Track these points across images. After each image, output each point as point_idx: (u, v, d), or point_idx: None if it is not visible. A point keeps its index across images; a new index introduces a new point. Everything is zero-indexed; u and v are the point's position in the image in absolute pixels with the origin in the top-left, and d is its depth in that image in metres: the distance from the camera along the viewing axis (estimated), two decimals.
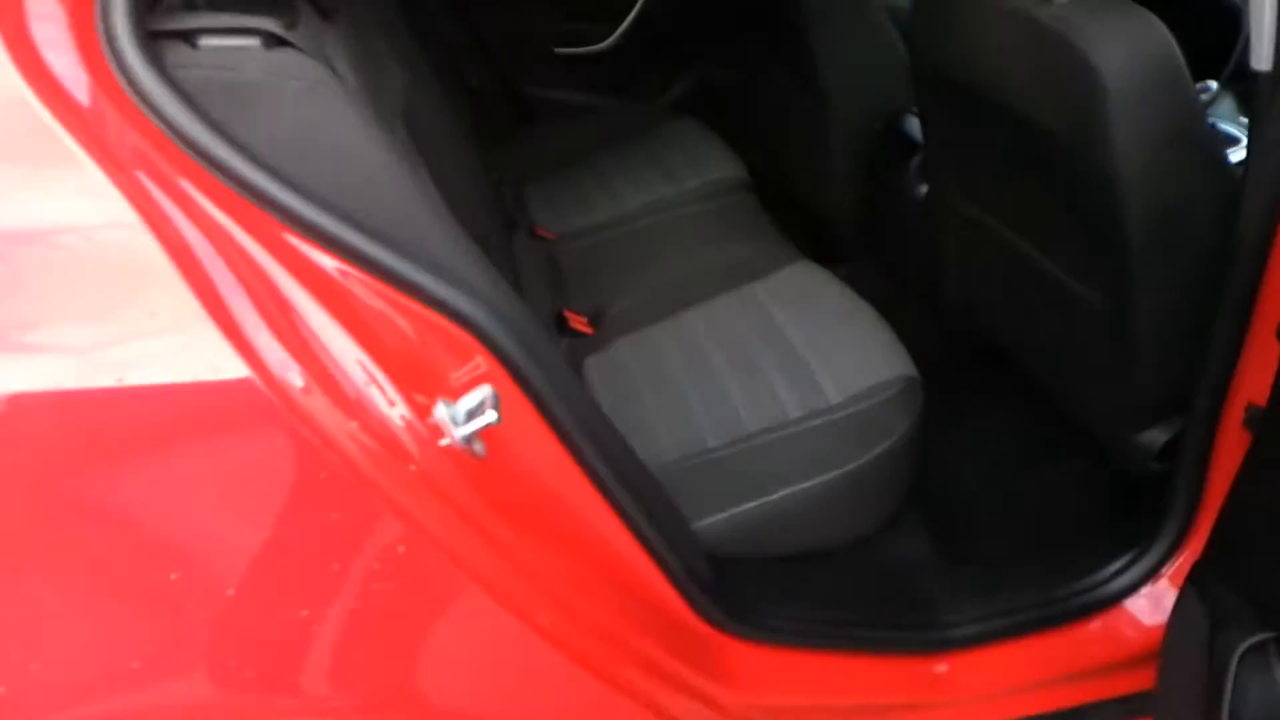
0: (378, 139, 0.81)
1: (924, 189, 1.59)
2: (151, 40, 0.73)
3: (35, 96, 0.66)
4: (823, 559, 1.26)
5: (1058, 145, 1.09)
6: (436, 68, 1.66)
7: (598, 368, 1.45)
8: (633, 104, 2.27)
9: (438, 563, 0.75)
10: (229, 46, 0.77)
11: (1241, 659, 0.79)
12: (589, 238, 1.80)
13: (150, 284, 0.66)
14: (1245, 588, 0.84)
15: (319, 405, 0.69)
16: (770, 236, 1.73)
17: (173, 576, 0.68)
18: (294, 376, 0.68)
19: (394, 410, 0.73)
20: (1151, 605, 1.13)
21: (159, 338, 0.66)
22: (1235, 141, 1.38)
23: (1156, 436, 1.18)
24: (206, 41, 0.77)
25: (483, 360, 0.83)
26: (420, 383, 0.77)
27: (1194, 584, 0.93)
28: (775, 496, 1.22)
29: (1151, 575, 1.13)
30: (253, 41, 0.78)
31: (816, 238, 1.84)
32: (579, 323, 1.57)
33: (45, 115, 0.65)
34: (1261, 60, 0.90)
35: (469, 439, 0.78)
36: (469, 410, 0.78)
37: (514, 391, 0.84)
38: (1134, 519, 1.18)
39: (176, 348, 0.66)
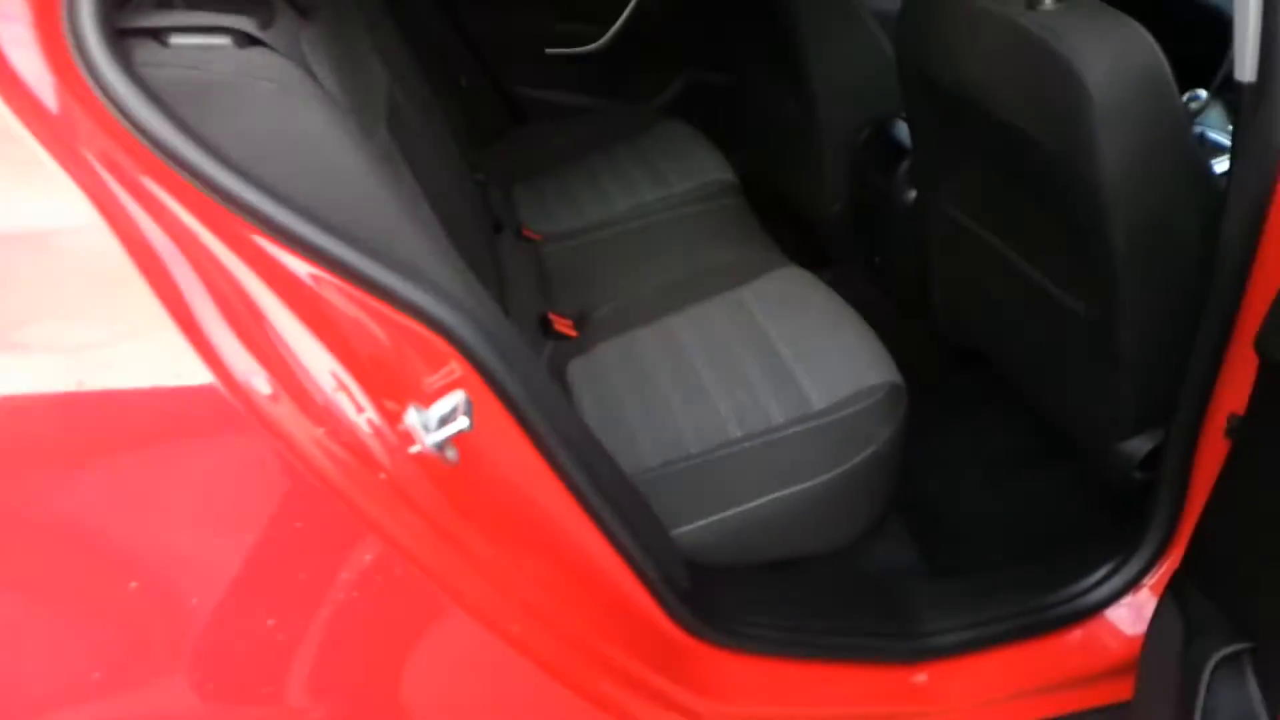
0: (351, 141, 0.80)
1: (912, 194, 1.58)
2: (120, 38, 0.72)
3: None
4: (804, 566, 1.25)
5: (1042, 153, 1.09)
6: (424, 67, 1.65)
7: (582, 371, 1.44)
8: (624, 106, 2.26)
9: (405, 571, 0.74)
10: (200, 45, 0.76)
11: (1215, 669, 0.78)
12: (576, 240, 1.79)
13: (112, 286, 0.65)
14: (1220, 598, 0.83)
15: (284, 411, 0.68)
16: (758, 241, 1.73)
17: (132, 585, 0.67)
18: (259, 382, 0.67)
19: (362, 416, 0.72)
20: (1133, 615, 1.12)
21: (119, 341, 0.65)
22: (1224, 150, 1.37)
23: (1139, 446, 1.17)
24: (177, 40, 0.76)
25: (457, 365, 0.82)
26: (391, 388, 0.76)
27: (1172, 594, 0.92)
28: (757, 503, 1.21)
29: (1133, 585, 1.13)
30: (224, 40, 0.77)
31: (805, 241, 1.84)
32: (564, 325, 1.57)
33: (7, 114, 0.64)
34: (1245, 71, 0.90)
35: (441, 445, 0.77)
36: (441, 416, 0.78)
37: (488, 397, 0.84)
38: (1117, 528, 1.17)
39: (137, 352, 0.65)
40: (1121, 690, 1.09)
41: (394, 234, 0.81)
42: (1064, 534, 1.31)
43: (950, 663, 1.12)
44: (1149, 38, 1.00)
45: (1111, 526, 1.20)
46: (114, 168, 0.67)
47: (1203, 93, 1.38)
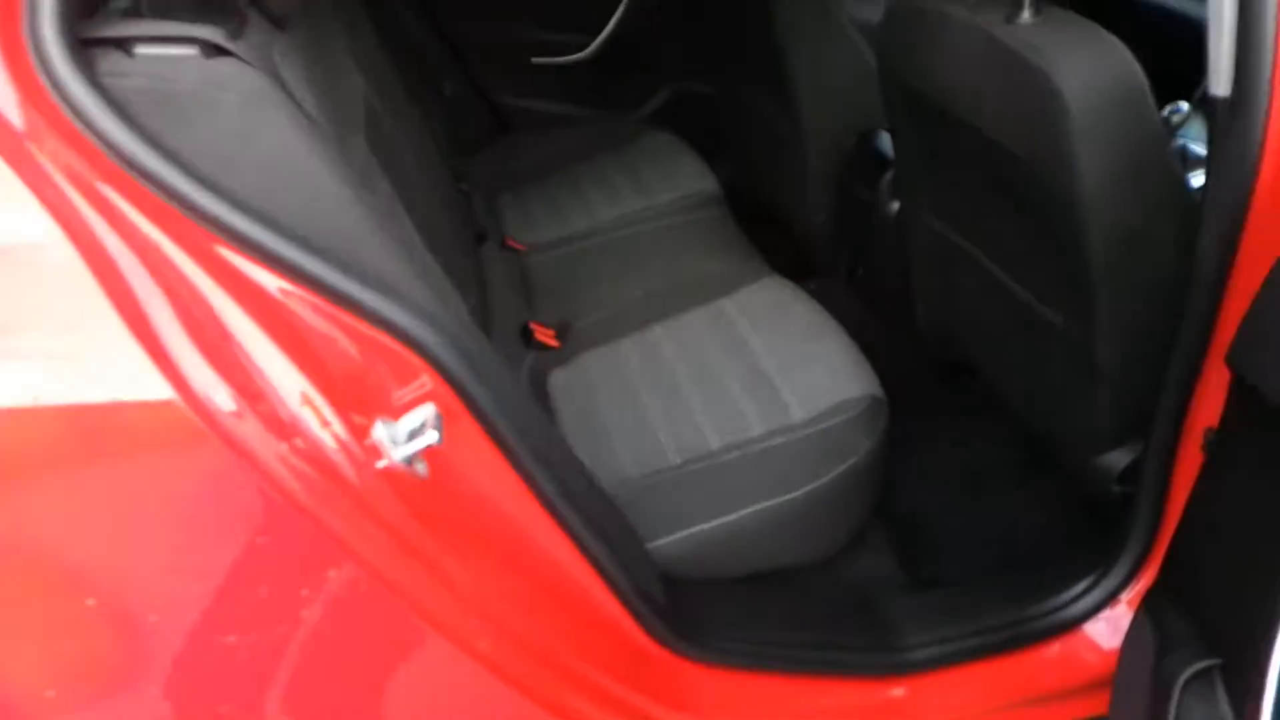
0: (320, 152, 0.79)
1: (895, 205, 1.58)
2: (84, 48, 0.71)
3: None
4: (782, 579, 1.24)
5: (1020, 165, 1.09)
6: (406, 75, 1.64)
7: (562, 381, 1.44)
8: (609, 115, 2.26)
9: (370, 587, 0.73)
10: (166, 55, 0.75)
11: (1186, 685, 0.78)
12: (559, 249, 1.78)
13: (71, 299, 0.64)
14: (1193, 613, 0.83)
15: (246, 425, 0.67)
16: (741, 251, 1.73)
17: (89, 602, 0.65)
18: (220, 395, 0.66)
19: (328, 431, 0.71)
20: (1111, 630, 1.12)
21: (78, 354, 0.64)
22: (1205, 163, 1.38)
23: (1118, 459, 1.17)
24: (142, 50, 0.75)
25: (428, 379, 0.81)
26: (358, 402, 0.75)
27: (1147, 609, 0.92)
28: (736, 515, 1.20)
29: (1111, 599, 1.12)
30: (191, 51, 0.77)
31: (789, 252, 1.84)
32: (545, 335, 1.56)
33: None
34: (1220, 85, 0.90)
35: (410, 459, 0.76)
36: (411, 430, 0.77)
37: (460, 410, 0.83)
38: (1096, 542, 1.17)
39: (96, 365, 0.64)
40: (1099, 704, 1.08)
41: (364, 245, 0.80)
42: (1044, 547, 1.31)
43: (928, 677, 1.11)
44: (1126, 51, 1.00)
45: (1091, 540, 1.19)
46: (75, 178, 0.66)
47: (1184, 105, 1.38)
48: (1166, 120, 1.33)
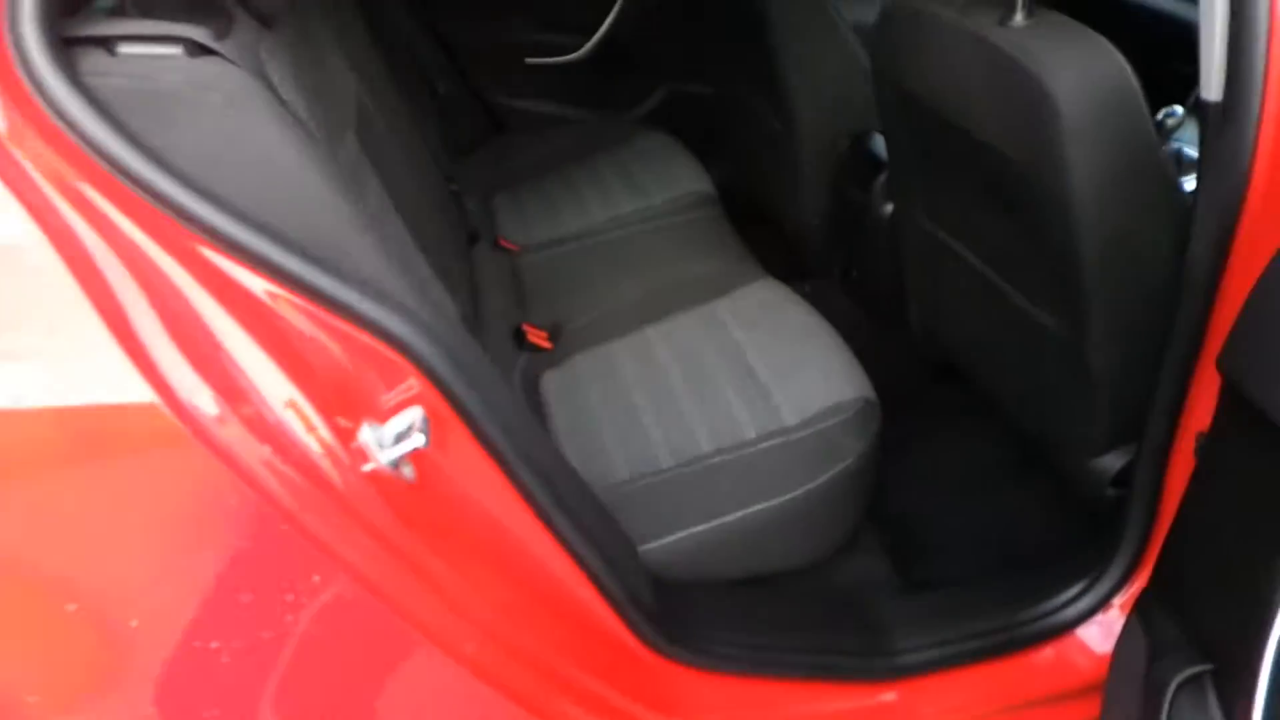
0: (306, 152, 0.78)
1: (889, 207, 1.58)
2: (66, 47, 0.70)
3: None
4: (775, 582, 1.24)
5: (1013, 168, 1.08)
6: (398, 74, 1.64)
7: (555, 383, 1.43)
8: (604, 116, 2.26)
9: (354, 591, 0.72)
10: (149, 55, 0.75)
11: (1178, 691, 0.77)
12: (552, 250, 1.78)
13: (51, 300, 0.63)
14: (1184, 618, 0.83)
15: (230, 429, 0.66)
16: (734, 253, 1.72)
17: (70, 608, 0.65)
18: (203, 399, 0.65)
19: (313, 434, 0.71)
20: (1103, 634, 1.11)
21: (59, 357, 0.64)
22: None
23: (1111, 462, 1.17)
24: (126, 49, 0.74)
25: (415, 381, 0.80)
26: (344, 405, 0.74)
27: (1139, 614, 0.92)
28: (728, 518, 1.20)
29: (1104, 603, 1.12)
30: (175, 50, 0.76)
31: (783, 254, 1.83)
32: (538, 337, 1.55)
33: None
34: (1211, 90, 0.89)
35: (396, 463, 0.75)
36: (398, 433, 0.76)
37: (448, 413, 0.82)
38: (1090, 546, 1.16)
39: (77, 368, 0.63)
40: (1091, 709, 1.08)
41: (351, 246, 0.79)
42: (1037, 550, 1.30)
43: (920, 681, 1.11)
44: (1118, 55, 1.00)
45: (1084, 543, 1.19)
46: (56, 179, 0.65)
47: (1179, 109, 1.38)
48: (1161, 124, 1.33)
